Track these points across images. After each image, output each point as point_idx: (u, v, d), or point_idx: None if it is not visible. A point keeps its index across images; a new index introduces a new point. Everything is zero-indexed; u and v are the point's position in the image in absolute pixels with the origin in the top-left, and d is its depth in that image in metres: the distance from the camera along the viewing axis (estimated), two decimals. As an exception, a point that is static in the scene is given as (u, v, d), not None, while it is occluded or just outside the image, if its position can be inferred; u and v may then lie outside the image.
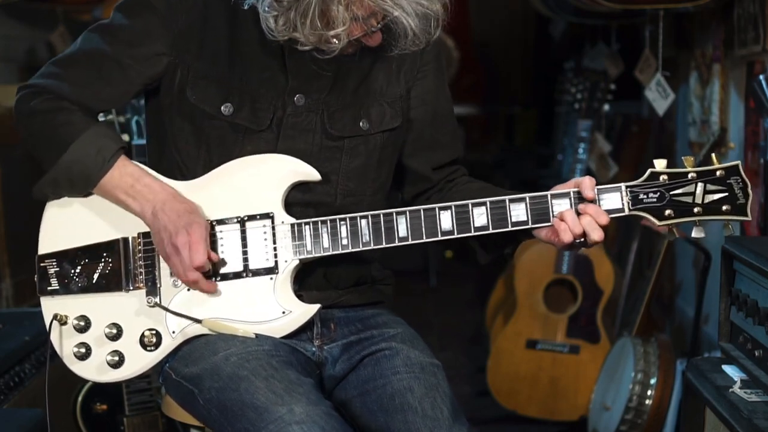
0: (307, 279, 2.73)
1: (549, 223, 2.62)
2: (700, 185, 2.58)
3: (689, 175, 2.59)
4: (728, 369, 2.97)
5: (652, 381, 4.59)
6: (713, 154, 2.63)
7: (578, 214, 2.59)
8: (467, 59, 10.01)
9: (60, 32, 6.46)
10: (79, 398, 3.90)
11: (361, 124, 2.74)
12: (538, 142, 9.51)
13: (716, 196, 2.58)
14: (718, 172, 2.58)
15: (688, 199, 2.59)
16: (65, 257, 2.72)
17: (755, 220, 4.30)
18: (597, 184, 2.61)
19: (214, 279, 2.65)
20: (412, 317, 2.96)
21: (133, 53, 2.67)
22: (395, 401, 2.59)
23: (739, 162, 2.59)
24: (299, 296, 2.68)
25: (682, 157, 2.61)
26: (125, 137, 4.27)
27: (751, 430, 2.60)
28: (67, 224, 2.73)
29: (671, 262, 5.97)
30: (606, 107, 5.85)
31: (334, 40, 2.52)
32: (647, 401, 4.57)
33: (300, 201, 2.70)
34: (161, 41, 2.67)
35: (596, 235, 2.57)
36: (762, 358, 2.81)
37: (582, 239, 2.59)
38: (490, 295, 6.24)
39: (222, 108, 2.67)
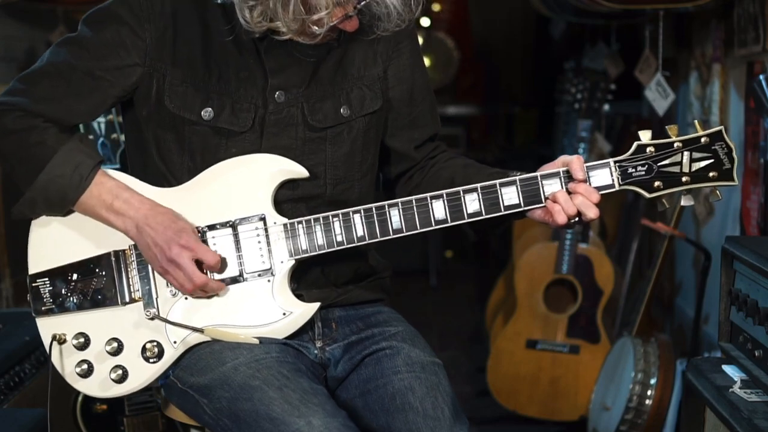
0: (305, 277, 2.73)
1: (541, 205, 2.63)
2: (686, 154, 2.60)
3: (675, 145, 2.61)
4: (728, 369, 2.97)
5: (652, 381, 4.59)
6: (696, 121, 2.65)
7: (569, 193, 2.60)
8: (467, 59, 10.03)
9: (60, 32, 6.44)
10: (79, 398, 3.89)
11: (342, 111, 2.73)
12: (538, 142, 9.50)
13: (703, 164, 2.60)
14: (702, 139, 2.60)
15: (676, 169, 2.61)
16: (57, 275, 2.70)
17: (755, 220, 4.30)
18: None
19: None
20: (411, 317, 2.96)
21: (103, 65, 2.64)
22: (396, 401, 2.58)
23: (722, 127, 2.61)
24: (299, 295, 2.67)
25: (666, 127, 2.63)
26: (123, 137, 4.28)
27: (751, 430, 2.60)
28: (56, 241, 2.71)
29: (671, 262, 5.97)
30: (606, 107, 5.85)
31: (315, 27, 2.51)
32: (647, 401, 4.58)
33: (290, 197, 2.70)
34: (133, 52, 2.64)
35: (591, 212, 2.59)
36: (762, 358, 2.81)
37: (577, 218, 2.60)
38: (490, 294, 6.24)
39: (202, 113, 2.65)
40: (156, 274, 2.66)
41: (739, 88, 4.70)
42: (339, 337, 2.77)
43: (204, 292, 2.62)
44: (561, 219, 2.60)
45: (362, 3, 2.52)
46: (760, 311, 2.79)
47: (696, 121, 2.64)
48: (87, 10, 6.43)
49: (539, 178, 2.63)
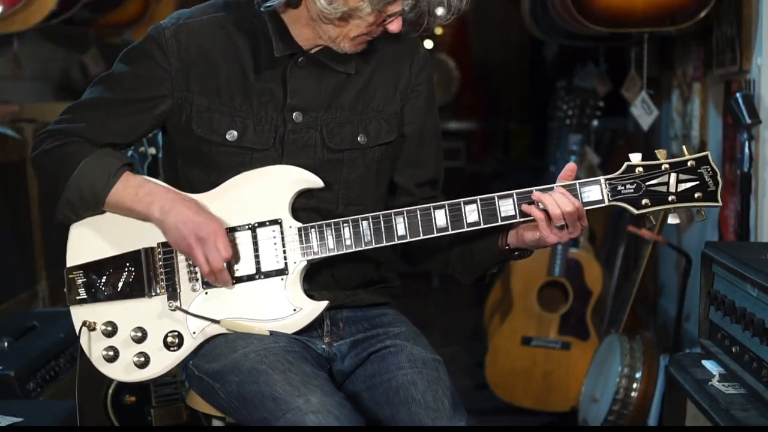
0: (316, 279, 2.74)
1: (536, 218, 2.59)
2: (673, 175, 2.57)
3: (662, 167, 2.58)
4: (707, 364, 2.96)
5: (638, 375, 4.58)
6: (684, 146, 2.63)
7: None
8: (467, 79, 10.04)
9: (92, 54, 6.48)
10: (110, 391, 3.90)
11: (359, 138, 2.74)
12: (532, 155, 9.50)
13: (689, 185, 2.57)
14: (689, 163, 2.57)
15: (663, 189, 2.57)
16: (91, 268, 2.72)
17: (732, 227, 4.29)
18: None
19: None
20: (416, 316, 2.96)
21: (136, 96, 2.69)
22: (400, 394, 2.58)
23: (708, 152, 2.59)
24: (310, 296, 2.68)
25: (656, 150, 2.60)
26: (152, 150, 4.28)
27: (728, 421, 2.60)
28: (92, 238, 2.73)
29: (655, 265, 5.97)
30: (595, 123, 5.84)
31: (391, 7, 2.55)
32: (633, 394, 4.57)
33: (305, 207, 2.70)
34: (162, 84, 2.69)
35: (568, 207, 2.53)
36: (738, 354, 2.80)
37: (564, 224, 2.56)
38: (488, 295, 6.23)
39: (227, 135, 2.67)
40: (180, 270, 2.68)
41: (718, 105, 4.69)
42: (346, 335, 2.77)
43: (215, 279, 2.62)
44: (547, 232, 2.57)
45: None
46: (737, 310, 2.79)
47: (684, 147, 2.61)
48: (117, 33, 6.43)
49: (534, 191, 2.60)
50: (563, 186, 2.58)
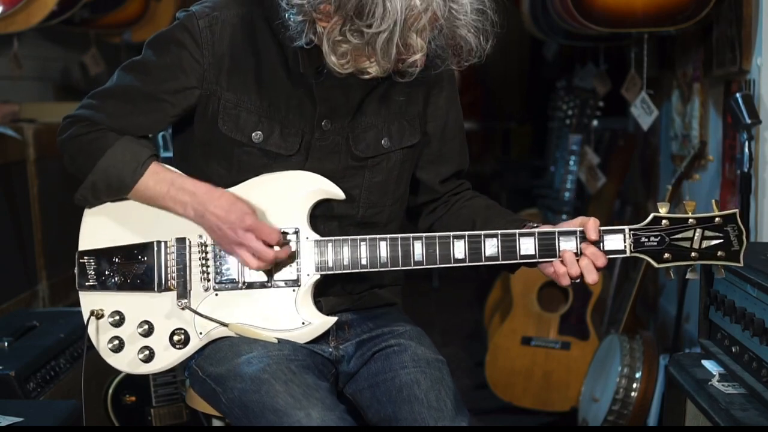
0: (326, 287, 2.72)
1: (555, 258, 2.57)
2: (698, 231, 2.53)
3: (689, 221, 2.53)
4: (707, 364, 2.97)
5: (637, 375, 4.58)
6: (714, 200, 2.57)
7: (580, 253, 2.56)
8: (467, 78, 10.02)
9: (92, 53, 6.49)
10: (110, 390, 3.90)
11: (383, 142, 2.71)
12: (532, 154, 9.50)
13: (713, 242, 2.52)
14: (716, 219, 2.52)
15: (686, 244, 2.53)
16: (103, 255, 2.71)
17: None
18: (601, 225, 2.57)
19: (241, 287, 2.65)
20: (416, 316, 2.96)
21: (164, 88, 2.64)
22: (403, 393, 2.59)
23: (737, 210, 2.53)
24: (317, 302, 2.67)
25: (684, 202, 2.56)
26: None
27: (728, 420, 2.60)
28: (107, 224, 2.72)
29: (655, 265, 5.96)
30: (595, 123, 5.85)
31: (408, 68, 2.50)
32: (633, 393, 4.57)
33: (325, 214, 2.68)
34: (192, 75, 2.63)
35: (590, 277, 2.54)
36: (738, 354, 2.81)
37: (578, 279, 2.56)
38: (488, 295, 6.24)
39: (252, 136, 2.63)
40: (192, 268, 2.67)
41: (718, 105, 4.69)
42: (351, 337, 2.77)
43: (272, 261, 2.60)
44: (565, 281, 2.57)
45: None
46: (737, 310, 2.79)
47: (714, 201, 2.56)
48: (117, 33, 6.43)
49: (556, 233, 2.58)
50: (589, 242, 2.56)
